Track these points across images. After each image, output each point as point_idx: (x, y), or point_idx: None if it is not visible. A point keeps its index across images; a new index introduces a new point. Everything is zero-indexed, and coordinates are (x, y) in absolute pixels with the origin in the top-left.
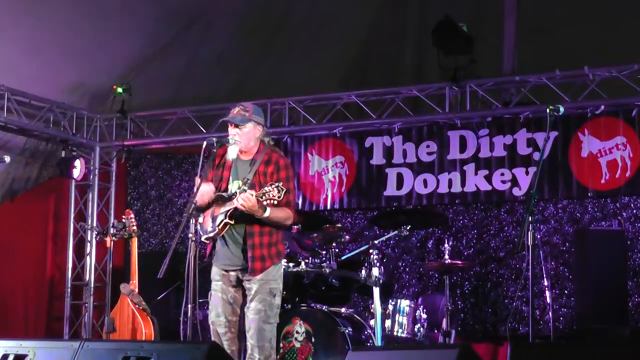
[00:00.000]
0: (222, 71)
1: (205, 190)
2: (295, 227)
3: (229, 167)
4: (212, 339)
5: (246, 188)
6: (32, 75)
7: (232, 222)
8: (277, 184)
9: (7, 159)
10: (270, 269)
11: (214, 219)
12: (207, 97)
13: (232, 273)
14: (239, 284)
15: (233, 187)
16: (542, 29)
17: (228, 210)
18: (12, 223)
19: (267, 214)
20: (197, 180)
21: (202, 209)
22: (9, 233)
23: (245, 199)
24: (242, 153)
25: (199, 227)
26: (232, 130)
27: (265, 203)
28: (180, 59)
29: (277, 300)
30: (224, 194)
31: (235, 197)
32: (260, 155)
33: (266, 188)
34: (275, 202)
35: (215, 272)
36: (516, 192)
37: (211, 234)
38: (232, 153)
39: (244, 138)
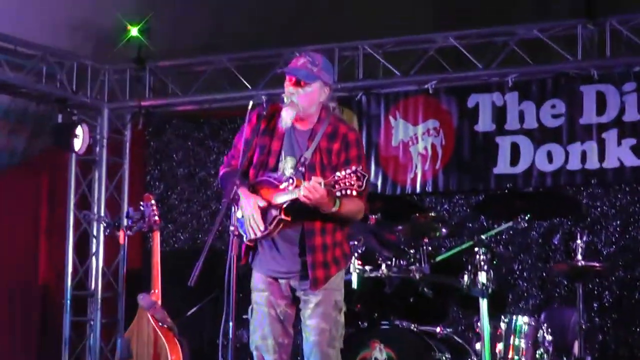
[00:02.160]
0: (272, 6)
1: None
2: (374, 216)
3: (281, 137)
4: None
5: (303, 171)
6: (17, 15)
7: (289, 219)
8: (355, 169)
9: None
10: (335, 276)
11: (263, 212)
12: (252, 41)
13: (283, 281)
14: (291, 296)
15: (286, 166)
16: None
17: (283, 203)
18: None
19: (337, 207)
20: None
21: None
22: None
23: (311, 190)
24: (297, 120)
25: (236, 222)
26: (290, 87)
27: (338, 194)
28: None
29: (342, 318)
30: (272, 178)
31: (288, 182)
32: (322, 125)
33: (340, 174)
34: (355, 193)
35: (259, 279)
36: None
37: (261, 235)
38: (286, 118)
39: (304, 100)
